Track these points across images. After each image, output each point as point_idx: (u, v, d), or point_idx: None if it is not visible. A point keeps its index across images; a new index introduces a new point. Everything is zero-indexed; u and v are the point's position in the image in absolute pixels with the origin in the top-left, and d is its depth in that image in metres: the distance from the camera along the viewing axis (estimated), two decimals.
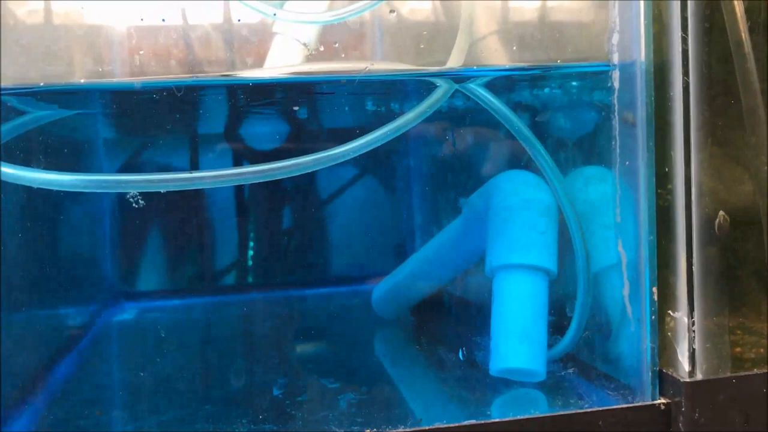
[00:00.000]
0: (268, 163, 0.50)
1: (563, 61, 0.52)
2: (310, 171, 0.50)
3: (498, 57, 0.55)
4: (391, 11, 0.53)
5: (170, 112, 0.75)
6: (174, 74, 0.57)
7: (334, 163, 0.50)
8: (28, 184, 0.47)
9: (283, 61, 0.61)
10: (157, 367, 0.68)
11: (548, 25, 0.54)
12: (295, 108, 0.72)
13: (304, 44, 0.61)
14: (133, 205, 0.45)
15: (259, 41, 0.63)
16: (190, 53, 0.62)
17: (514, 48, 0.52)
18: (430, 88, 0.55)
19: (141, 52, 0.55)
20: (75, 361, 0.70)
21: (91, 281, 0.88)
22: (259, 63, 0.63)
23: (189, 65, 0.60)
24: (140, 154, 0.91)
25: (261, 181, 0.51)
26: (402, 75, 0.54)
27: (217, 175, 0.49)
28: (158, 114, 0.74)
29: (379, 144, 0.49)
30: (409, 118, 0.51)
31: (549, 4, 0.60)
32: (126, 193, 0.47)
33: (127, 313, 0.90)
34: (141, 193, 0.48)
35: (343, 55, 0.53)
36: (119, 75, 0.56)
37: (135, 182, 0.46)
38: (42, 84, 0.46)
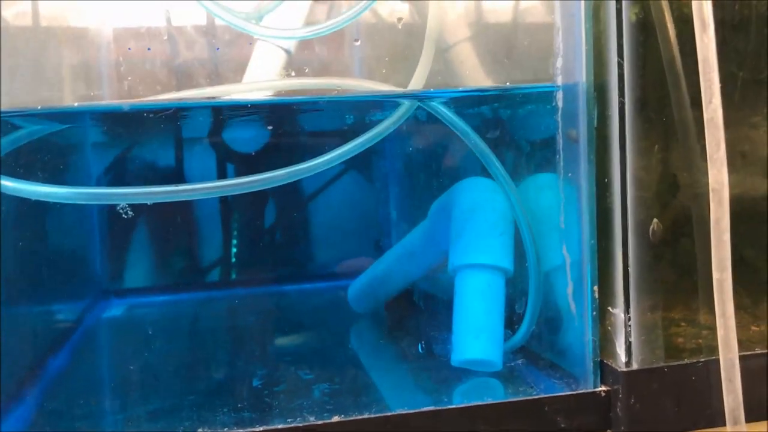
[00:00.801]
0: (245, 176, 0.55)
1: (513, 83, 0.57)
2: (284, 183, 0.55)
3: (466, 70, 0.60)
4: (399, 19, 0.57)
5: (155, 122, 0.79)
6: (158, 92, 0.60)
7: (307, 175, 0.55)
8: (27, 197, 0.51)
9: (265, 67, 0.65)
10: (144, 360, 0.72)
11: (504, 47, 0.58)
12: (270, 127, 0.77)
13: (286, 51, 0.65)
14: (123, 215, 0.50)
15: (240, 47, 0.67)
16: (175, 57, 0.66)
17: (467, 72, 0.57)
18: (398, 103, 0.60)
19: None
20: (67, 357, 0.73)
21: (80, 278, 0.91)
22: (242, 68, 0.67)
23: (174, 70, 0.64)
24: (127, 157, 0.95)
25: (241, 192, 0.55)
26: (368, 96, 0.58)
27: (202, 188, 0.54)
28: (144, 123, 0.78)
29: (347, 157, 0.54)
30: (375, 133, 0.55)
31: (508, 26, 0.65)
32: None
33: (116, 309, 0.94)
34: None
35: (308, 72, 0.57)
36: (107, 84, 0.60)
37: (128, 195, 0.50)
38: (39, 107, 0.51)
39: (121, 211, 0.50)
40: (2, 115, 0.49)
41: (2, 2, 0.54)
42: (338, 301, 0.93)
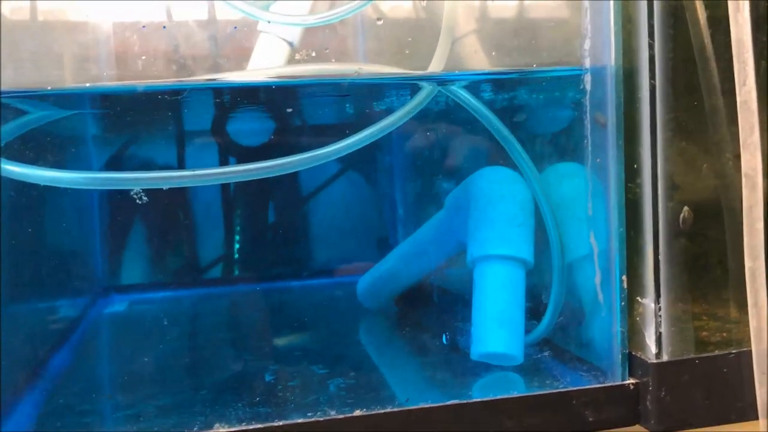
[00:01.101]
0: (258, 162, 0.53)
1: (539, 65, 0.56)
2: (296, 170, 0.53)
3: (478, 60, 0.58)
4: (378, 19, 0.56)
5: (160, 111, 0.77)
6: (163, 77, 0.59)
7: (320, 163, 0.53)
8: (33, 182, 0.49)
9: (268, 60, 0.63)
10: (152, 356, 0.70)
11: (525, 30, 0.57)
12: (289, 110, 0.75)
13: (289, 43, 0.64)
14: (137, 201, 0.48)
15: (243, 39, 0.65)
16: (176, 51, 0.65)
17: (494, 53, 0.55)
18: (413, 89, 0.58)
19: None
20: (69, 353, 0.71)
21: (81, 274, 0.90)
22: (244, 60, 0.65)
23: (176, 63, 0.62)
24: (128, 149, 0.93)
25: (250, 179, 0.53)
26: (389, 78, 0.57)
27: (214, 173, 0.52)
28: (148, 112, 0.76)
29: (366, 143, 0.52)
30: (395, 118, 0.54)
31: (527, 6, 0.63)
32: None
33: (118, 305, 0.92)
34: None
35: (333, 60, 0.55)
36: (107, 76, 0.58)
37: (137, 180, 0.48)
38: (49, 88, 0.49)
39: (135, 196, 0.48)
40: (3, 96, 0.47)
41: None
42: (346, 297, 0.91)
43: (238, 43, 0.67)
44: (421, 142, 0.86)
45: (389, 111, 0.56)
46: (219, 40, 0.67)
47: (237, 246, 0.97)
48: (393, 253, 0.80)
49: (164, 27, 0.54)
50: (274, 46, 0.63)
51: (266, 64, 0.63)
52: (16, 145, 0.54)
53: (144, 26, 0.55)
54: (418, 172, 0.90)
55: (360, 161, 0.95)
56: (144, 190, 0.51)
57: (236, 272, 0.98)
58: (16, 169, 0.49)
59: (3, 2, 0.54)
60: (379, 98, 0.70)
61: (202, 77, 0.61)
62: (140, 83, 0.54)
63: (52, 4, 0.59)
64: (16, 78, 0.51)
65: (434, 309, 0.80)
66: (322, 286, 0.98)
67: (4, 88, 0.50)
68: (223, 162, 0.94)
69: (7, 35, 0.52)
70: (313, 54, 0.55)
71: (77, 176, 0.48)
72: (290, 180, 0.98)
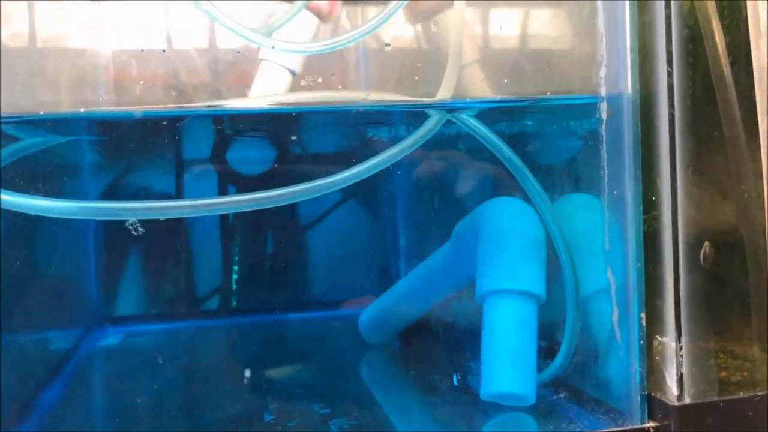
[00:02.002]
0: (259, 192, 0.51)
1: (552, 93, 0.54)
2: (300, 200, 0.51)
3: (487, 88, 0.56)
4: (387, 45, 0.54)
5: (158, 138, 0.76)
6: (166, 104, 0.57)
7: (325, 192, 0.51)
8: (25, 211, 0.47)
9: (269, 88, 0.62)
10: (146, 392, 0.68)
11: (537, 58, 0.55)
12: (293, 137, 0.73)
13: (291, 71, 0.62)
14: (132, 232, 0.46)
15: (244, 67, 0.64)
16: (176, 78, 0.63)
17: (506, 80, 0.54)
18: (419, 117, 0.56)
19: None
20: (61, 388, 0.69)
21: (74, 305, 0.87)
22: (245, 88, 0.64)
23: (175, 90, 0.61)
24: (124, 177, 0.91)
25: (252, 209, 0.51)
26: (397, 106, 0.55)
27: (213, 203, 0.50)
28: (146, 139, 0.74)
29: (374, 172, 0.50)
30: (403, 147, 0.52)
31: (534, 37, 0.62)
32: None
33: (112, 337, 0.89)
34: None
35: (340, 87, 0.53)
36: (105, 102, 0.57)
37: (132, 210, 0.46)
38: (42, 112, 0.47)
39: (130, 227, 0.46)
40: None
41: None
42: (347, 330, 0.89)
43: (239, 70, 0.66)
44: (424, 170, 0.84)
45: (394, 140, 0.54)
46: (219, 67, 0.66)
47: (235, 277, 0.95)
48: (397, 286, 0.77)
49: (163, 50, 0.52)
50: (276, 74, 0.62)
51: (268, 92, 0.61)
52: (8, 173, 0.52)
53: (142, 50, 0.54)
54: (421, 201, 0.88)
55: (362, 190, 0.93)
56: (140, 221, 0.49)
57: (234, 304, 0.96)
58: (8, 198, 0.47)
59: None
60: (385, 126, 0.68)
61: (202, 104, 0.60)
62: (138, 109, 0.52)
63: (50, 30, 0.57)
64: (10, 102, 0.49)
65: (439, 344, 0.77)
66: (321, 318, 0.95)
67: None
68: (223, 191, 0.92)
69: (4, 60, 0.50)
70: (320, 80, 0.53)
71: (71, 206, 0.46)
72: (290, 209, 0.96)
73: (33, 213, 0.46)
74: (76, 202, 0.46)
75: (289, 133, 0.76)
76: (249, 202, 0.49)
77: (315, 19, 0.64)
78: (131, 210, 0.46)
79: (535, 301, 0.58)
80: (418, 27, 0.69)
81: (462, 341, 0.73)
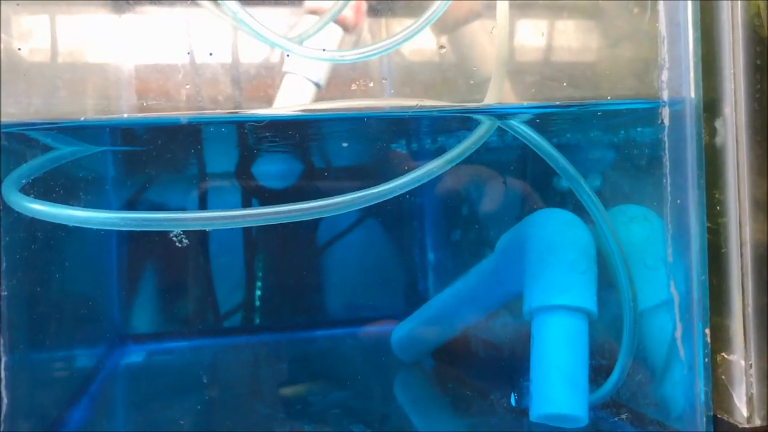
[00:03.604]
0: (301, 203, 0.49)
1: (612, 98, 0.52)
2: (344, 212, 0.49)
3: (541, 93, 0.54)
4: (441, 47, 0.52)
5: (186, 149, 0.74)
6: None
7: (373, 203, 0.49)
8: (61, 222, 0.45)
9: (293, 100, 0.60)
10: (172, 412, 0.66)
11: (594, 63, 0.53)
12: (344, 144, 0.71)
13: (316, 84, 0.61)
14: (177, 244, 0.44)
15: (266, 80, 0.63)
16: (198, 94, 0.62)
17: (564, 84, 0.51)
18: (448, 126, 0.54)
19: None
20: (87, 408, 0.67)
21: (97, 323, 0.85)
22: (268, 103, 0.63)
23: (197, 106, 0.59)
24: (148, 190, 0.89)
25: (292, 221, 0.49)
26: (447, 111, 0.53)
27: (247, 215, 0.48)
28: (173, 151, 0.73)
29: (426, 180, 0.48)
30: (454, 155, 0.49)
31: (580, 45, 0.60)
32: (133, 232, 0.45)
33: (135, 356, 0.87)
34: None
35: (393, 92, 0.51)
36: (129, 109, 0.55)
37: (175, 220, 0.44)
38: (82, 119, 0.45)
39: (175, 238, 0.44)
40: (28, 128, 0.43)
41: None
42: (378, 347, 0.86)
43: (262, 84, 0.65)
44: (456, 182, 0.81)
45: (440, 149, 0.52)
46: (242, 81, 0.65)
47: (258, 293, 0.93)
48: (432, 302, 0.75)
49: (188, 53, 0.51)
50: (301, 87, 0.60)
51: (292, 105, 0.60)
52: (42, 183, 0.51)
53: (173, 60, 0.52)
54: (456, 215, 0.86)
55: (394, 203, 0.91)
56: (160, 237, 0.47)
57: (259, 321, 0.93)
58: (43, 209, 0.45)
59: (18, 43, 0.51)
60: (422, 135, 0.66)
61: (240, 110, 0.58)
62: (175, 114, 0.50)
63: (72, 45, 0.56)
64: (44, 110, 0.48)
65: (477, 363, 0.75)
66: (349, 335, 0.93)
67: (30, 119, 0.47)
68: (247, 205, 0.90)
69: (27, 71, 0.49)
70: (371, 85, 0.51)
71: (110, 217, 0.44)
72: (315, 223, 0.94)
73: (71, 224, 0.43)
74: (116, 213, 0.44)
75: (320, 144, 0.74)
76: (295, 212, 0.47)
77: (340, 31, 0.63)
78: (173, 221, 0.44)
79: (587, 317, 0.56)
80: (443, 38, 0.67)
81: (498, 359, 0.70)
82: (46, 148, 0.51)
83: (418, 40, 0.64)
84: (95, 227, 0.43)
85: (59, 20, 0.56)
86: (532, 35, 0.61)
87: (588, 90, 0.54)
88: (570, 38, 0.60)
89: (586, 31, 0.60)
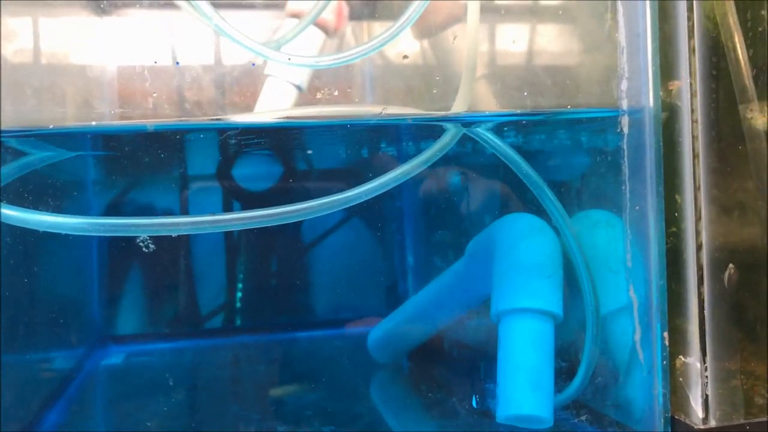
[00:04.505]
0: (274, 207, 0.49)
1: (573, 107, 0.53)
2: (313, 216, 0.50)
3: (504, 102, 0.55)
4: (404, 57, 0.53)
5: (164, 153, 0.75)
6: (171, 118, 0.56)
7: (340, 208, 0.50)
8: (32, 227, 0.45)
9: (275, 103, 0.61)
10: (151, 414, 0.66)
11: (556, 71, 0.54)
12: (309, 151, 0.72)
13: (297, 87, 0.61)
14: (144, 249, 0.44)
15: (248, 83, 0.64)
16: (180, 94, 0.62)
17: (525, 93, 0.53)
18: (422, 132, 0.55)
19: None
20: (64, 409, 0.67)
21: (77, 324, 0.86)
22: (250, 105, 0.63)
23: (181, 108, 0.60)
24: (128, 193, 0.90)
25: (266, 225, 0.50)
26: (414, 119, 0.54)
27: (221, 220, 0.48)
28: (151, 154, 0.73)
29: (390, 187, 0.49)
30: (419, 161, 0.50)
31: (546, 52, 0.61)
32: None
33: (115, 357, 0.88)
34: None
35: (356, 100, 0.52)
36: (111, 115, 0.56)
37: (144, 226, 0.45)
38: (51, 126, 0.45)
39: (141, 244, 0.45)
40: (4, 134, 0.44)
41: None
42: (354, 349, 0.87)
43: (244, 87, 0.65)
44: (434, 186, 0.82)
45: (404, 155, 0.53)
46: (225, 84, 0.65)
47: (240, 295, 0.93)
48: (407, 305, 0.76)
49: (177, 63, 0.52)
50: (283, 90, 0.61)
51: (274, 108, 0.60)
52: (14, 189, 0.51)
53: (156, 62, 0.53)
54: (431, 218, 0.87)
55: (371, 206, 0.92)
56: (150, 237, 0.48)
57: (238, 323, 0.94)
58: (15, 214, 0.46)
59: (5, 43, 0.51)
60: (397, 141, 0.67)
61: (213, 117, 0.59)
62: (147, 122, 0.51)
63: (55, 46, 0.57)
64: (17, 117, 0.48)
65: (451, 365, 0.76)
66: (328, 337, 0.93)
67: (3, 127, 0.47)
68: (227, 207, 0.90)
69: (10, 75, 0.49)
70: (336, 93, 0.52)
71: (80, 222, 0.44)
72: (296, 226, 0.94)
73: (41, 229, 0.44)
74: (86, 218, 0.45)
75: (300, 148, 0.75)
76: (263, 218, 0.47)
77: (322, 34, 0.63)
78: (142, 226, 0.45)
79: (553, 320, 0.57)
80: (425, 42, 0.68)
81: (471, 361, 0.71)
82: (18, 153, 0.52)
83: (398, 45, 0.65)
84: (64, 232, 0.44)
85: (43, 22, 0.56)
86: (503, 42, 0.62)
87: (553, 98, 0.56)
88: (541, 44, 0.61)
89: (557, 37, 0.61)
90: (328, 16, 0.63)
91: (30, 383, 0.65)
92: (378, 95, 0.66)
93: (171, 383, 0.77)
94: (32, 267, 0.65)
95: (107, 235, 0.44)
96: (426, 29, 0.67)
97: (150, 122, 0.49)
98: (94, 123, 0.48)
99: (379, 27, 0.68)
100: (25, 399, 0.62)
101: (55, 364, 0.75)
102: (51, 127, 0.46)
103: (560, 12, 0.58)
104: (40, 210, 0.46)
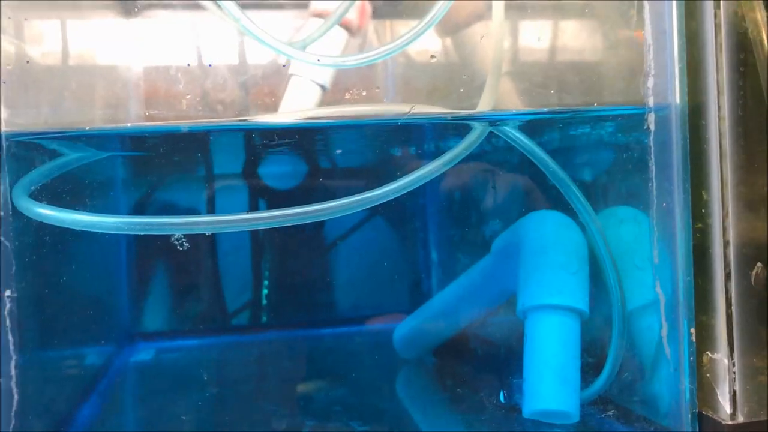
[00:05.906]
0: (302, 206, 0.50)
1: (599, 104, 0.53)
2: (340, 215, 0.50)
3: (532, 99, 0.56)
4: (432, 56, 0.54)
5: (192, 153, 0.76)
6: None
7: (367, 207, 0.51)
8: (69, 227, 0.46)
9: (299, 102, 0.61)
10: (181, 410, 0.67)
11: (582, 68, 0.54)
12: (338, 151, 0.73)
13: (321, 86, 0.62)
14: (178, 247, 0.45)
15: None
16: (206, 96, 0.63)
17: (552, 91, 0.53)
18: (446, 130, 0.55)
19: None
20: (96, 405, 0.68)
21: (106, 322, 0.87)
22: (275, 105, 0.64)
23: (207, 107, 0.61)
24: (155, 193, 0.91)
25: (296, 223, 0.50)
26: (440, 118, 0.54)
27: (254, 218, 0.49)
28: (180, 154, 0.74)
29: (416, 186, 0.49)
30: (446, 160, 0.51)
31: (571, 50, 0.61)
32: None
33: (144, 353, 0.89)
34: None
35: (384, 99, 0.53)
36: (137, 117, 0.56)
37: (178, 225, 0.46)
38: (87, 128, 0.47)
39: (176, 242, 0.46)
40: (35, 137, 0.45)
41: None
42: (380, 346, 0.88)
43: (267, 86, 0.65)
44: (459, 184, 0.83)
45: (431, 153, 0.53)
46: (248, 84, 0.66)
47: (266, 292, 0.94)
48: (433, 301, 0.76)
49: (210, 65, 0.52)
50: (307, 89, 0.61)
51: (298, 108, 0.61)
52: (51, 189, 0.52)
53: (188, 64, 0.53)
54: (456, 216, 0.87)
55: (396, 204, 0.93)
56: (183, 236, 0.49)
57: (265, 320, 0.95)
58: (52, 213, 0.47)
59: (33, 46, 0.52)
60: (422, 140, 0.68)
61: (240, 118, 0.59)
62: (179, 123, 0.52)
63: (82, 48, 0.58)
64: (51, 119, 0.49)
65: (476, 361, 0.76)
66: (354, 334, 0.94)
67: (37, 128, 0.48)
68: (253, 205, 0.91)
69: (43, 76, 0.50)
70: (364, 93, 0.52)
71: (115, 221, 0.45)
72: (321, 223, 0.95)
73: (77, 228, 0.45)
74: (121, 217, 0.46)
75: (326, 148, 0.75)
76: (295, 216, 0.48)
77: (345, 33, 0.64)
78: (177, 225, 0.46)
79: (579, 316, 0.57)
80: (448, 40, 0.68)
81: (499, 357, 0.71)
82: (54, 154, 0.53)
83: (421, 43, 0.65)
84: (101, 231, 0.45)
85: (69, 24, 0.57)
86: (527, 39, 0.62)
87: (578, 95, 0.56)
88: (566, 41, 0.61)
89: (579, 35, 0.61)
90: (352, 15, 0.63)
91: (64, 379, 0.66)
92: (402, 94, 0.66)
93: (200, 379, 0.78)
94: (62, 267, 0.66)
95: (142, 233, 0.44)
96: (449, 26, 0.67)
97: (183, 123, 0.50)
98: (129, 125, 0.49)
99: (401, 25, 0.68)
100: (57, 395, 0.63)
101: (87, 361, 0.76)
102: (87, 128, 0.47)
103: (586, 10, 0.58)
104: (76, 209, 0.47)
